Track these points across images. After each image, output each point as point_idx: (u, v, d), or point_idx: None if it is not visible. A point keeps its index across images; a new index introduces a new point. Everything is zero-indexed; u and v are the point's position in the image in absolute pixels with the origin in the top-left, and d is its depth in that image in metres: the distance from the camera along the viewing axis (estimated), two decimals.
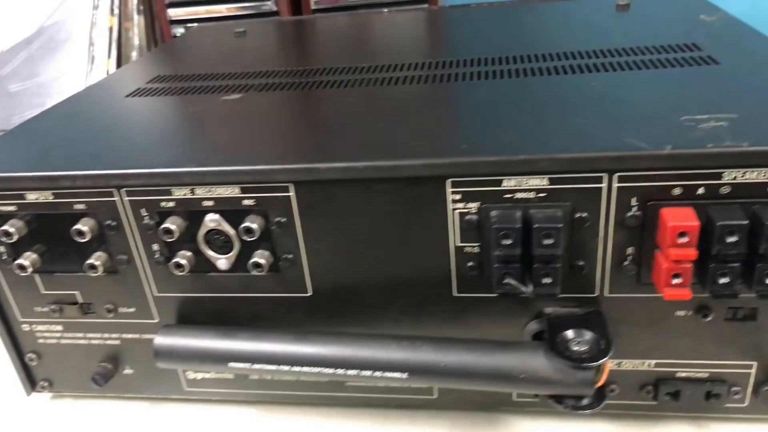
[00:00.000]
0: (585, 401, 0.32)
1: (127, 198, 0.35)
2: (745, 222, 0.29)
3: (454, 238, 0.33)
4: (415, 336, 0.34)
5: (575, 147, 0.31)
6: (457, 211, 0.32)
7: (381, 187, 0.32)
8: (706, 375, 0.35)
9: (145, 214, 0.35)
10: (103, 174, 0.34)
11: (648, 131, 0.31)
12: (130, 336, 0.40)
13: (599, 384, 0.32)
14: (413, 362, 0.33)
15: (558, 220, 0.30)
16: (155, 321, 0.39)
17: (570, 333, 0.32)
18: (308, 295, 0.36)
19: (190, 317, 0.38)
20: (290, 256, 0.35)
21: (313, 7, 0.91)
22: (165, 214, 0.35)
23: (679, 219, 0.29)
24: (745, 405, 0.35)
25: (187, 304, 0.38)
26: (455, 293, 0.35)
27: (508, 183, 0.31)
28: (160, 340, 0.37)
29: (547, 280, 0.32)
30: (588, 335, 0.32)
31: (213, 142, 0.37)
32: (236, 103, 0.43)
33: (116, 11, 0.91)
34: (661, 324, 0.34)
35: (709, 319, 0.33)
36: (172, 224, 0.34)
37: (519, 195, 0.31)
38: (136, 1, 0.94)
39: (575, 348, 0.31)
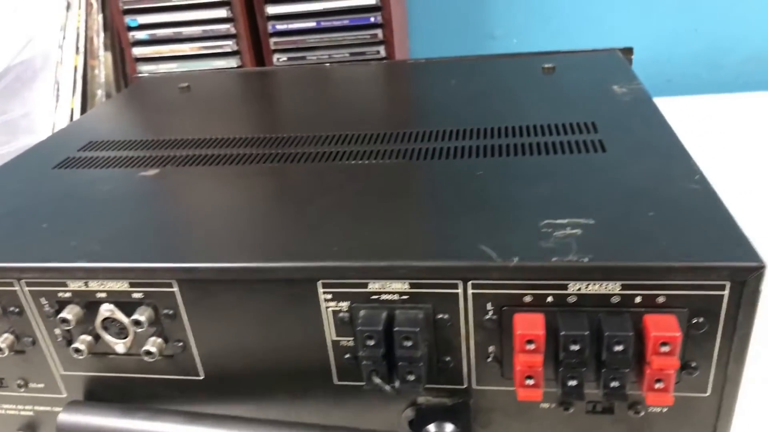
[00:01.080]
0: None
1: (27, 288, 0.37)
2: (586, 333, 0.31)
3: (330, 333, 0.35)
4: (290, 422, 0.36)
5: (432, 254, 0.33)
6: (330, 309, 0.34)
7: (259, 287, 0.34)
8: None
9: (45, 302, 0.37)
10: (2, 267, 0.36)
11: (506, 238, 0.33)
12: (42, 408, 0.42)
13: None
14: None
15: (416, 323, 0.32)
16: (63, 396, 0.41)
17: (432, 427, 0.34)
18: (201, 378, 0.38)
19: (95, 394, 0.40)
20: (180, 343, 0.37)
21: (272, 47, 0.93)
22: (63, 303, 0.37)
23: (527, 327, 0.31)
24: None
25: (92, 382, 0.40)
26: (336, 381, 0.37)
27: (374, 286, 0.33)
28: (63, 417, 0.39)
29: (411, 377, 0.33)
30: (449, 428, 0.34)
31: (112, 231, 0.39)
32: (150, 180, 0.45)
33: (81, 49, 0.93)
34: (528, 414, 0.36)
35: (570, 411, 0.35)
36: (68, 314, 0.36)
37: (384, 296, 0.33)
38: (102, 40, 0.96)
39: None
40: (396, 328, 0.32)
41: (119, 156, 0.50)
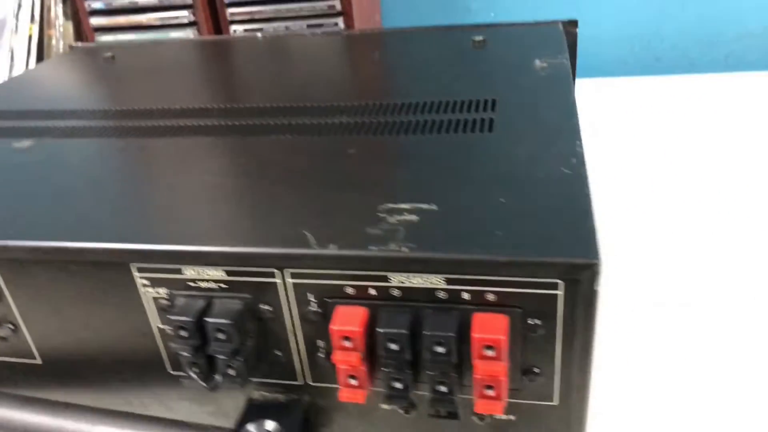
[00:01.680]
0: None
1: None
2: (404, 331, 0.27)
3: (154, 321, 0.32)
4: (115, 411, 0.33)
5: (248, 239, 0.30)
6: (150, 295, 0.32)
7: (74, 269, 0.32)
8: None
9: None
10: None
11: (337, 222, 0.30)
12: None
13: None
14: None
15: (229, 315, 0.29)
16: None
17: (251, 426, 0.31)
18: (39, 362, 0.36)
19: None
20: (11, 325, 0.35)
21: (229, 18, 0.90)
22: None
23: (343, 322, 0.28)
24: None
25: None
26: (170, 371, 0.34)
27: (189, 272, 0.30)
28: None
29: (231, 372, 0.31)
30: (270, 426, 0.31)
31: None
32: (21, 152, 0.43)
33: (37, 18, 0.91)
34: (370, 415, 0.33)
35: (411, 415, 0.32)
36: None
37: (203, 284, 0.30)
38: (60, 9, 0.94)
39: None
40: (207, 320, 0.29)
41: (9, 126, 0.48)
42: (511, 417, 0.31)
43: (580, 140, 0.36)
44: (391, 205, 0.31)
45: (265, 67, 0.59)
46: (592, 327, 0.27)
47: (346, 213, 0.31)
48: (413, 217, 0.30)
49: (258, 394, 0.33)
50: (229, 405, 0.34)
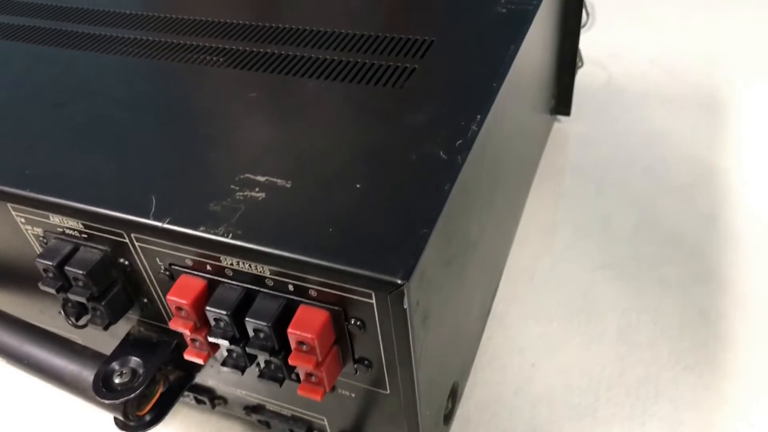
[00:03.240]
0: (135, 423, 0.34)
1: None
2: (224, 312, 0.28)
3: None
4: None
5: (98, 197, 0.29)
6: (30, 233, 0.33)
7: None
8: (289, 414, 0.36)
9: None
10: None
11: (189, 190, 0.29)
12: None
13: (144, 411, 0.34)
14: None
15: (85, 265, 0.30)
16: None
17: (116, 364, 0.33)
18: None
19: None
20: None
21: None
22: None
23: (178, 293, 0.29)
24: None
25: None
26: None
27: (54, 219, 0.31)
28: None
29: (96, 314, 0.32)
30: (134, 362, 0.33)
31: None
32: None
33: None
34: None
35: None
36: None
37: (69, 231, 0.31)
38: None
39: (116, 380, 0.33)
40: (65, 267, 0.31)
41: None
42: (351, 394, 0.32)
43: (484, 113, 0.32)
44: (248, 176, 0.30)
45: None
46: (408, 335, 0.26)
47: (203, 179, 0.30)
48: (261, 195, 0.29)
49: (136, 330, 0.35)
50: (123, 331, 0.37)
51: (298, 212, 0.28)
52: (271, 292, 0.28)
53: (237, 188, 0.29)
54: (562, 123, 0.65)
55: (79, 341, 0.37)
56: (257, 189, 0.29)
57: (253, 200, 0.28)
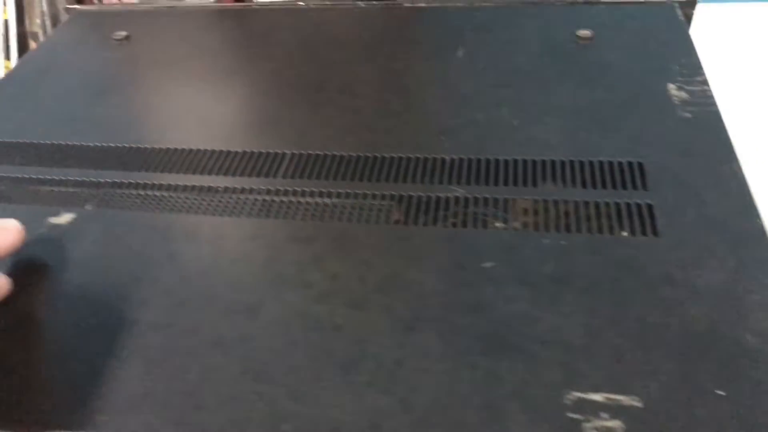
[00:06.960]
0: None
1: None
2: None
3: None
4: None
5: None
6: None
7: None
8: None
9: None
10: None
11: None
12: None
13: None
14: None
15: None
16: None
17: None
18: None
19: None
20: None
21: None
22: None
23: None
24: None
25: None
26: None
27: None
28: None
29: None
30: None
31: None
32: None
33: None
34: None
35: None
36: None
37: None
38: None
39: None
40: None
41: None
42: None
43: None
44: (581, 395, 0.25)
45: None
46: None
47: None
48: (616, 425, 0.24)
49: None
50: None
51: None
52: None
53: (581, 418, 0.24)
54: None
55: None
56: (605, 418, 0.24)
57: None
